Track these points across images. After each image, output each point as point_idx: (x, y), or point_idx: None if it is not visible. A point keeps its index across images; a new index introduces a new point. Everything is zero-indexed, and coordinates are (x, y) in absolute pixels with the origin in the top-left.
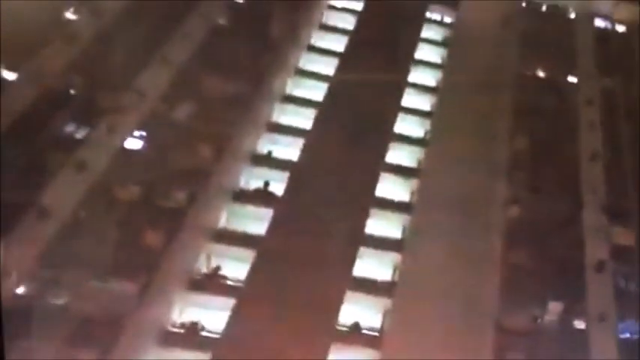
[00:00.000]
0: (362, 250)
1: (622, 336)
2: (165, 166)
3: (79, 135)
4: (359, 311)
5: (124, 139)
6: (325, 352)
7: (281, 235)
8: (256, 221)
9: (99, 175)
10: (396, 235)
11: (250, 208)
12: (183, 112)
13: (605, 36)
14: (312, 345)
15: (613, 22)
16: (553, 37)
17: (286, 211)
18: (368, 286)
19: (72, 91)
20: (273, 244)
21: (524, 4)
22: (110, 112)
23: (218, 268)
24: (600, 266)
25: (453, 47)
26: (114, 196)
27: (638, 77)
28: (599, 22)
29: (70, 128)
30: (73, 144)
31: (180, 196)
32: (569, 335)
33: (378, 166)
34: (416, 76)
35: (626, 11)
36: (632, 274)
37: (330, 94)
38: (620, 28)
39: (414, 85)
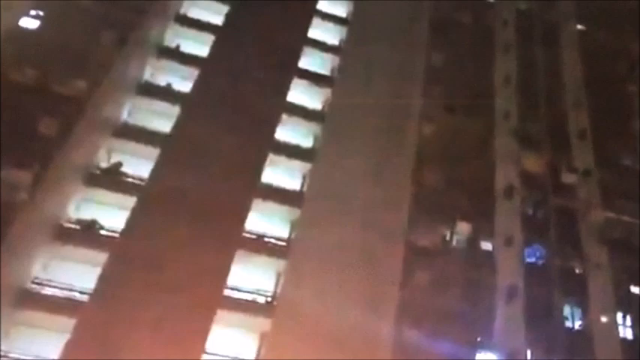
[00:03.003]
0: (272, 157)
1: (528, 260)
2: (64, 50)
3: None
4: (267, 220)
5: (20, 17)
6: (230, 259)
7: (186, 134)
8: (161, 118)
9: None
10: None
11: (155, 104)
12: None
13: None
14: (218, 251)
15: None
16: None
17: (193, 109)
18: (277, 195)
19: None
20: (178, 143)
21: None
22: None
23: (119, 164)
24: (509, 191)
25: None
26: (7, 78)
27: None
28: None
29: None
30: None
31: (80, 84)
32: (476, 256)
33: (291, 70)
34: None
35: None
36: (541, 200)
37: None
38: None
39: None
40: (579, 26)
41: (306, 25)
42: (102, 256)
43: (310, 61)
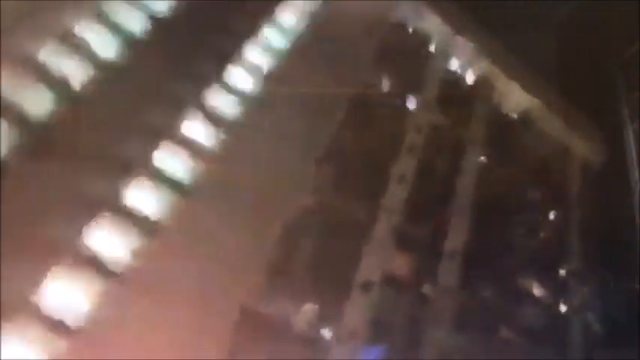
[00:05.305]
0: None
1: (364, 357)
2: None
3: None
4: None
5: None
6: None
7: None
8: None
9: None
10: None
11: None
12: None
13: (452, 75)
14: None
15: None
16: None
17: None
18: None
19: None
20: None
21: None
22: None
23: None
24: (367, 286)
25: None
26: None
27: (469, 121)
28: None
29: None
30: None
31: None
32: (315, 343)
33: None
34: None
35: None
36: (395, 305)
37: None
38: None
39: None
40: (482, 157)
41: None
42: None
43: None
